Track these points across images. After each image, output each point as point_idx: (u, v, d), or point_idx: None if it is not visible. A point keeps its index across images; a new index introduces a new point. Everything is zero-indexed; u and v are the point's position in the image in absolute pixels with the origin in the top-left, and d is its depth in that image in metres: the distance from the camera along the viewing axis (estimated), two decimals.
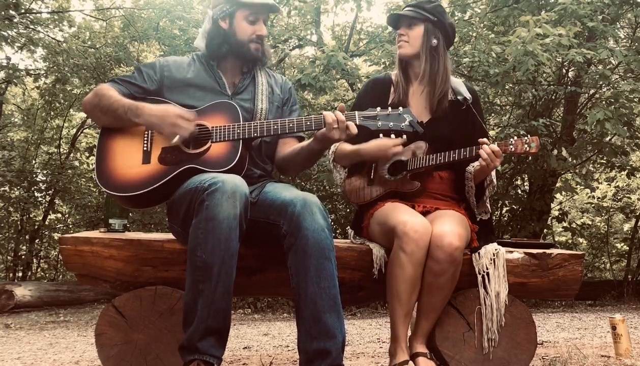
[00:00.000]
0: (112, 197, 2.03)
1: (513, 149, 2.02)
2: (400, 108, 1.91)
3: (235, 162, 1.91)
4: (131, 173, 1.96)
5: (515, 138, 2.06)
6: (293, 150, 2.12)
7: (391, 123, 1.89)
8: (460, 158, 2.08)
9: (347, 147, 2.19)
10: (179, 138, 1.93)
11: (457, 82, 2.28)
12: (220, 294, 1.66)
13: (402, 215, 1.98)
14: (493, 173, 2.16)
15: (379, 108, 1.92)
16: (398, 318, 1.94)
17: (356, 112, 1.93)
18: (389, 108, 1.92)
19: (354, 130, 1.89)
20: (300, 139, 2.20)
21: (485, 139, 2.05)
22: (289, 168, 2.20)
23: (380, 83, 2.34)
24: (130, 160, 1.98)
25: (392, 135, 1.92)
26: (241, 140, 1.95)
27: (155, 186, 1.92)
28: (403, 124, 1.89)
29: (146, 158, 1.97)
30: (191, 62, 2.16)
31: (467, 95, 2.23)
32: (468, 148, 2.06)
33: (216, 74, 2.13)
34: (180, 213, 1.86)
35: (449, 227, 1.94)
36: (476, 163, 2.11)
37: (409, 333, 2.04)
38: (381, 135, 1.91)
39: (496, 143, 2.05)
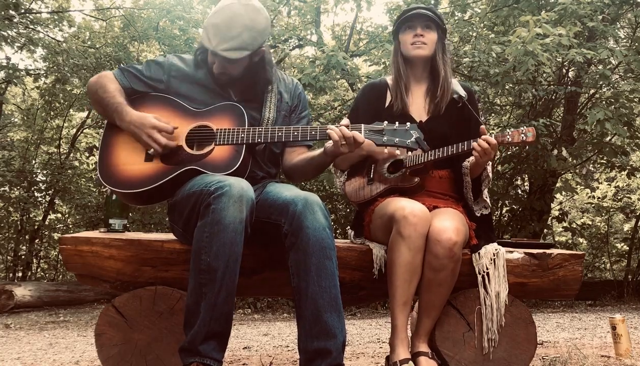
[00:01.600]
0: (112, 192, 2.04)
1: (510, 139, 2.04)
2: (408, 124, 1.90)
3: (237, 166, 1.90)
4: (133, 170, 1.96)
5: (512, 129, 2.07)
6: (303, 159, 2.11)
7: (397, 139, 1.87)
8: (458, 152, 2.09)
9: None
10: (153, 151, 1.94)
11: (453, 82, 2.32)
12: (223, 298, 1.66)
13: (401, 202, 2.01)
14: (489, 167, 2.17)
15: (385, 122, 1.89)
16: (396, 307, 1.94)
17: (362, 125, 1.90)
18: (397, 122, 1.90)
19: (360, 139, 1.87)
20: (309, 147, 2.19)
21: (483, 127, 2.08)
22: (298, 176, 2.19)
23: (376, 88, 2.36)
24: (133, 157, 1.98)
25: (397, 151, 1.91)
26: (245, 145, 1.94)
27: (155, 185, 1.92)
28: (409, 141, 1.87)
29: (148, 156, 1.97)
30: (200, 63, 2.12)
31: (462, 93, 2.27)
32: (466, 142, 2.07)
33: None
34: (183, 214, 1.85)
35: (448, 223, 1.95)
36: (472, 158, 2.13)
37: (409, 333, 2.04)
38: (386, 150, 1.89)
39: (493, 135, 2.06)
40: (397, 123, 1.90)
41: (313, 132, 1.94)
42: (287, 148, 2.19)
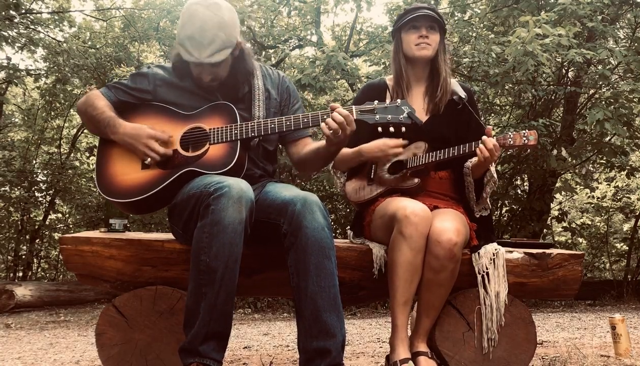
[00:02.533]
0: (113, 204, 2.03)
1: (512, 142, 2.06)
2: (398, 100, 1.89)
3: (233, 163, 1.90)
4: (131, 179, 1.96)
5: (514, 132, 2.08)
6: (309, 152, 2.11)
7: (389, 116, 1.86)
8: (459, 154, 2.10)
9: (347, 150, 2.22)
10: (151, 160, 1.94)
11: (452, 83, 2.33)
12: (223, 298, 1.66)
13: (403, 201, 2.01)
14: (493, 169, 2.18)
15: (376, 102, 1.89)
16: (397, 306, 1.95)
17: (353, 106, 1.90)
18: (387, 100, 1.90)
19: (350, 118, 1.86)
20: (311, 136, 2.19)
21: (490, 127, 2.09)
22: (309, 168, 2.20)
23: (375, 88, 2.36)
24: (130, 167, 1.98)
25: (392, 129, 1.88)
26: (239, 141, 1.94)
27: (154, 191, 1.92)
28: (401, 116, 1.86)
29: (145, 165, 1.97)
30: (183, 74, 2.10)
31: (462, 94, 2.27)
32: (467, 144, 2.09)
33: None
34: (183, 216, 1.85)
35: (448, 223, 1.96)
36: (474, 159, 2.14)
37: (409, 332, 2.05)
38: (380, 129, 1.89)
39: (495, 137, 2.07)
40: (387, 101, 1.89)
41: (305, 120, 1.93)
42: (289, 142, 2.18)
